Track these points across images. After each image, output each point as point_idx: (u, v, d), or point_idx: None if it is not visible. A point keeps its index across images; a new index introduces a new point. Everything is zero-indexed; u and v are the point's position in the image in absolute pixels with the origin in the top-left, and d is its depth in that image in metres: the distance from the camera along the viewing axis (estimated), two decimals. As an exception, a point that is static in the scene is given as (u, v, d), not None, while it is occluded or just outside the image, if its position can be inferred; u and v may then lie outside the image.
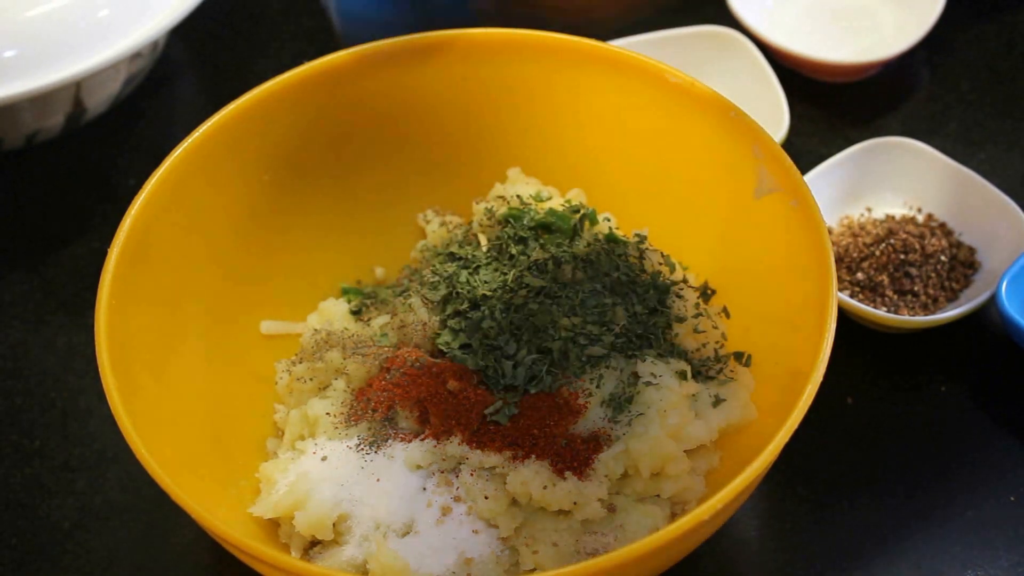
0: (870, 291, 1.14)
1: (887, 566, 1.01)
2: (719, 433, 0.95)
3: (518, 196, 1.07)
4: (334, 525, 0.93)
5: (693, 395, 0.96)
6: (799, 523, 1.04)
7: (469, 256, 1.03)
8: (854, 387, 1.12)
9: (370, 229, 1.14)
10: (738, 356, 1.01)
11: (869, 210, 1.21)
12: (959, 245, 1.17)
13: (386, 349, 1.01)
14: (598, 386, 0.95)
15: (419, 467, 0.95)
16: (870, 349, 1.14)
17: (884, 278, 1.13)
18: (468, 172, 1.14)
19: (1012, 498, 1.04)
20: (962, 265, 1.16)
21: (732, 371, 0.99)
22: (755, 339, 1.01)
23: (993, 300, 1.09)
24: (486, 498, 0.91)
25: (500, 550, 0.92)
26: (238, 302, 1.07)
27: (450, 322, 1.00)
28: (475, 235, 1.06)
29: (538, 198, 1.07)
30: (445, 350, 1.00)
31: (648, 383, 0.94)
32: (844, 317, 1.13)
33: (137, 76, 1.36)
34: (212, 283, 1.05)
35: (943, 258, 1.14)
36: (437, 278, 1.03)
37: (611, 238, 1.04)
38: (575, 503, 0.91)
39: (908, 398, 1.11)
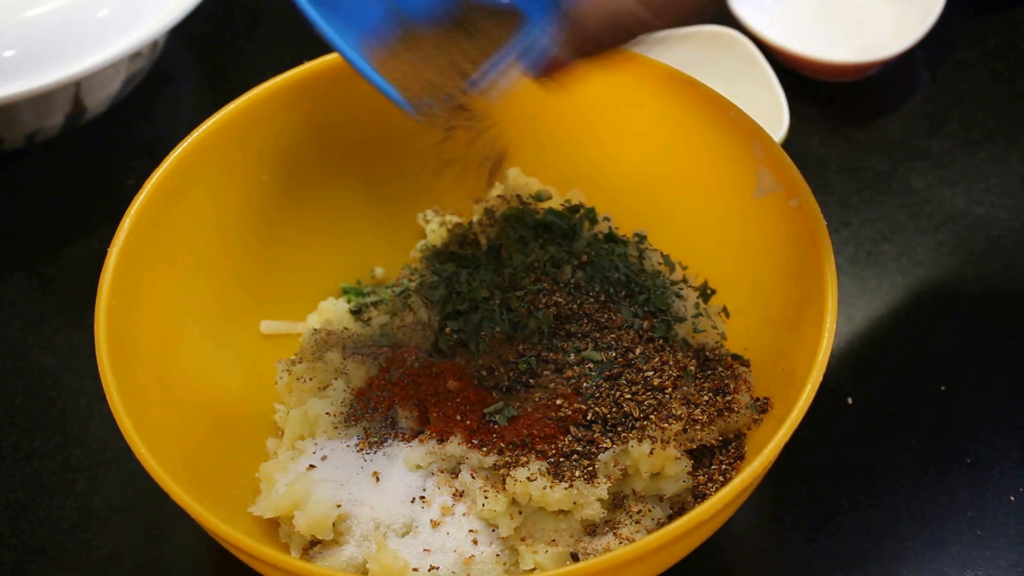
0: None
1: (887, 566, 1.01)
2: (719, 434, 0.95)
3: (518, 196, 1.06)
4: (334, 525, 0.93)
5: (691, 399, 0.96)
6: (799, 523, 1.04)
7: (469, 256, 1.03)
8: (854, 387, 1.12)
9: (370, 229, 1.14)
10: (737, 356, 1.01)
11: None
12: None
13: (386, 349, 1.01)
14: (596, 391, 0.95)
15: (419, 467, 0.95)
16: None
17: None
18: (468, 172, 1.14)
19: (1012, 498, 1.04)
20: None
21: (732, 371, 0.99)
22: (755, 339, 1.01)
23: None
24: (486, 498, 0.91)
25: (500, 550, 0.92)
26: (238, 302, 1.07)
27: (449, 323, 1.00)
28: (475, 235, 1.06)
29: (538, 198, 1.07)
30: (445, 350, 1.00)
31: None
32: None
33: (137, 76, 1.36)
34: (212, 283, 1.05)
35: None
36: (437, 278, 1.02)
37: (611, 238, 1.04)
38: (575, 503, 0.91)
39: (908, 398, 1.11)
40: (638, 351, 0.96)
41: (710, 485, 0.93)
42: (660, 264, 1.03)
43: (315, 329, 1.05)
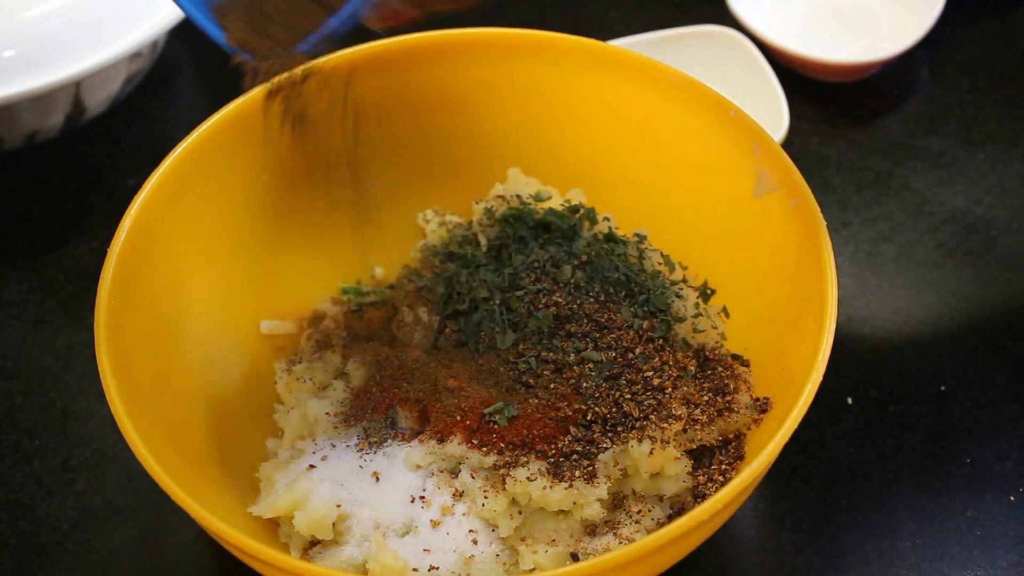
0: None
1: (887, 566, 1.01)
2: (719, 434, 0.95)
3: (518, 196, 1.07)
4: (334, 525, 0.93)
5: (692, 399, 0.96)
6: (799, 523, 1.04)
7: (469, 256, 1.03)
8: (854, 387, 1.12)
9: (370, 229, 1.14)
10: (737, 356, 1.01)
11: None
12: None
13: (386, 349, 1.01)
14: (596, 390, 0.95)
15: (419, 467, 0.95)
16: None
17: None
18: (468, 172, 1.14)
19: (1012, 498, 1.04)
20: None
21: (732, 371, 0.99)
22: (755, 339, 1.01)
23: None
24: (486, 498, 0.91)
25: (500, 550, 0.92)
26: (238, 302, 1.07)
27: (449, 322, 1.00)
28: (475, 235, 1.06)
29: (538, 198, 1.07)
30: (445, 350, 1.00)
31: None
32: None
33: (137, 76, 1.36)
34: (211, 283, 1.05)
35: None
36: (437, 278, 1.03)
37: (611, 238, 1.04)
38: (575, 503, 0.91)
39: (908, 398, 1.11)
40: (638, 351, 0.96)
41: (710, 485, 0.93)
42: (660, 264, 1.03)
43: (315, 329, 1.05)
